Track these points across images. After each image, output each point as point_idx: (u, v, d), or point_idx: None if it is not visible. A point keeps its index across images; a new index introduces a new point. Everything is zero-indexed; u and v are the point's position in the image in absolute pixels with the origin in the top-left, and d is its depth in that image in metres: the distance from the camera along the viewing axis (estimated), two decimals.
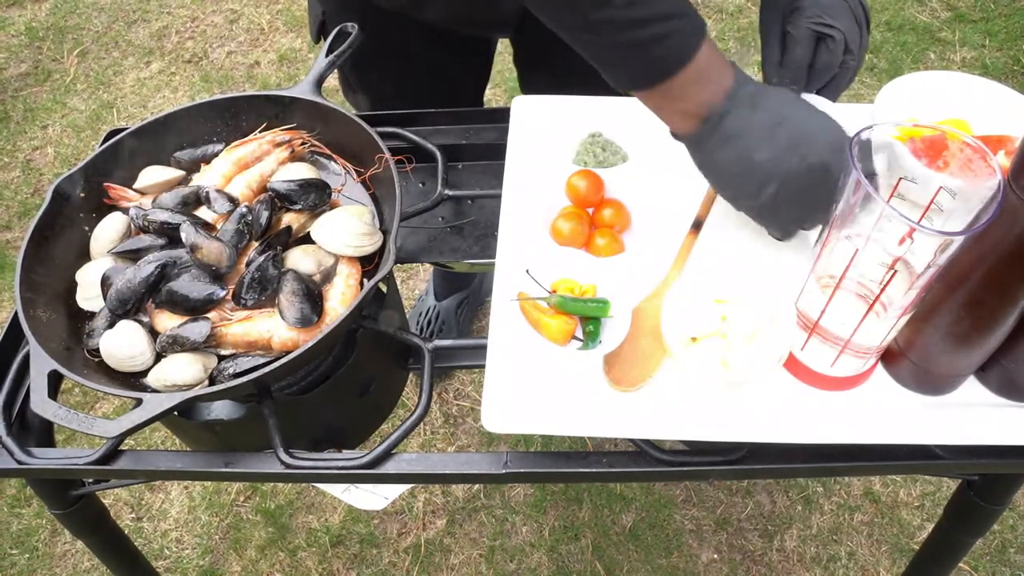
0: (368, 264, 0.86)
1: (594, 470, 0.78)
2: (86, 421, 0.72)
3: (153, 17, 2.69)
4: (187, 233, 0.81)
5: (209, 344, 0.79)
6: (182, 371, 0.77)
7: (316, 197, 0.87)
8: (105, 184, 0.91)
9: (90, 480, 0.93)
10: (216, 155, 0.94)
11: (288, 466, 0.78)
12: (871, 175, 0.64)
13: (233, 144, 0.94)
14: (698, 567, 1.56)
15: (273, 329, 0.79)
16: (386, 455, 0.79)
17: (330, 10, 1.12)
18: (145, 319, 0.82)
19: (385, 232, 0.88)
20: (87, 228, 0.89)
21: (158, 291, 0.81)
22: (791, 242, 0.84)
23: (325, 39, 1.10)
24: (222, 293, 0.81)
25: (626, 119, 0.96)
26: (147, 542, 1.62)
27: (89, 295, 0.84)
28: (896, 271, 0.63)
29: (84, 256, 0.88)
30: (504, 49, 1.31)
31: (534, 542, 1.60)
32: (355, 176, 0.93)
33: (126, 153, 0.93)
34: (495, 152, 1.02)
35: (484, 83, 1.35)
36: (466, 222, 1.02)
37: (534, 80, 1.27)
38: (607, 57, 0.70)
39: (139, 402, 0.72)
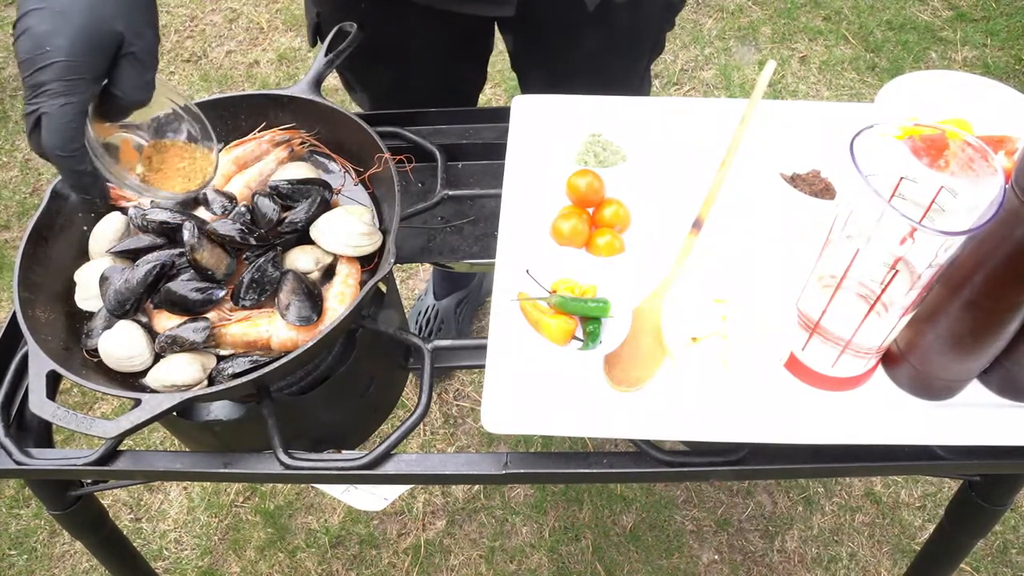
0: (368, 264, 0.86)
1: (594, 471, 0.78)
2: (85, 421, 0.72)
3: None
4: (188, 233, 0.81)
5: (208, 344, 0.79)
6: (181, 371, 0.76)
7: (316, 197, 0.87)
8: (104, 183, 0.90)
9: (89, 481, 0.93)
10: None
11: (287, 467, 0.78)
12: (872, 174, 0.64)
13: (232, 144, 0.94)
14: (699, 568, 1.56)
15: (272, 329, 0.79)
16: (386, 456, 0.79)
17: (325, 11, 1.12)
18: (144, 319, 0.81)
19: (385, 232, 0.88)
20: (86, 228, 0.88)
21: (157, 291, 0.81)
22: (792, 241, 0.84)
23: (322, 41, 1.10)
24: (221, 293, 0.81)
25: (626, 119, 0.96)
26: (146, 543, 1.62)
27: (88, 295, 0.83)
28: (897, 271, 0.63)
29: (83, 256, 0.87)
30: (503, 48, 1.30)
31: (534, 543, 1.59)
32: (355, 176, 0.93)
33: None
34: (495, 152, 1.02)
35: (482, 83, 1.35)
36: (466, 222, 1.02)
37: (531, 80, 1.27)
38: None
39: (138, 402, 0.72)
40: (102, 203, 0.70)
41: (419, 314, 1.83)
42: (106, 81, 0.64)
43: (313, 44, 1.15)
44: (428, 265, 1.87)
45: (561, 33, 1.11)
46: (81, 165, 0.65)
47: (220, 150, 0.90)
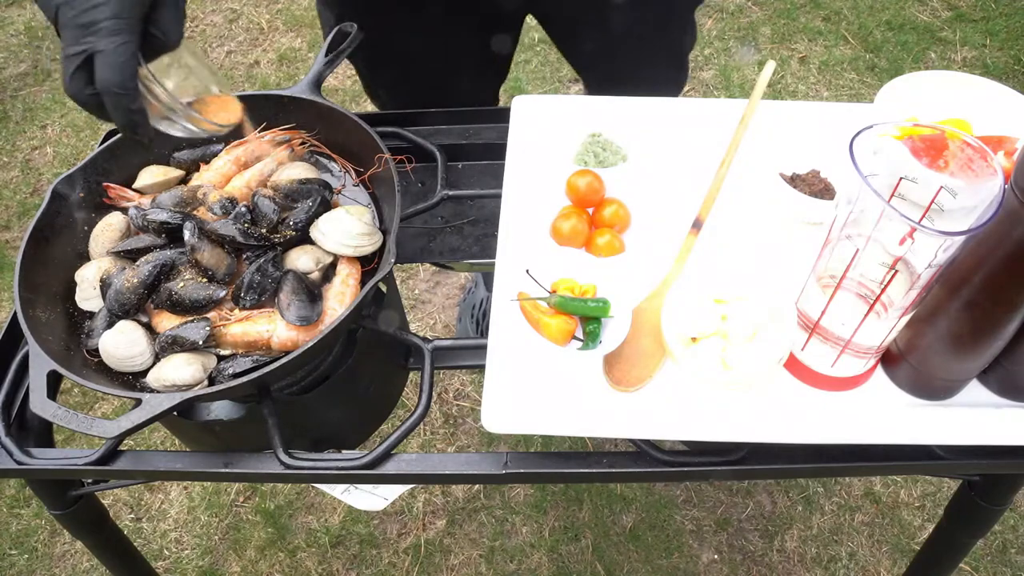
0: (368, 264, 0.86)
1: (594, 470, 0.78)
2: (85, 421, 0.72)
3: None
4: (189, 233, 0.81)
5: (208, 344, 0.79)
6: (181, 371, 0.76)
7: (316, 197, 0.87)
8: (104, 184, 0.90)
9: (89, 480, 0.93)
10: (215, 155, 0.94)
11: (288, 466, 0.78)
12: (872, 175, 0.64)
13: (232, 144, 0.94)
14: (699, 568, 1.56)
15: (272, 329, 0.79)
16: (386, 455, 0.79)
17: (345, 13, 1.12)
18: (144, 319, 0.81)
19: (385, 232, 0.88)
20: (86, 228, 0.88)
21: (157, 291, 0.81)
22: (792, 241, 0.84)
23: (344, 44, 1.11)
24: (222, 293, 0.81)
25: (626, 119, 0.96)
26: (146, 542, 1.62)
27: (88, 295, 0.83)
28: (897, 271, 0.63)
29: (83, 256, 0.88)
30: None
31: (534, 542, 1.59)
32: (355, 176, 0.93)
33: (125, 153, 0.92)
34: (495, 152, 1.02)
35: (501, 81, 1.36)
36: (466, 222, 1.02)
37: (581, 59, 1.28)
38: None
39: (138, 402, 0.72)
40: (149, 144, 0.73)
41: (473, 308, 1.85)
42: None
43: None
44: (428, 265, 1.87)
45: (597, 14, 1.13)
46: (135, 103, 0.66)
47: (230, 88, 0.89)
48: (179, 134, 0.76)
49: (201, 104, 0.78)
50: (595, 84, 1.31)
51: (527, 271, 0.83)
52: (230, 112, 0.79)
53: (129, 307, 0.80)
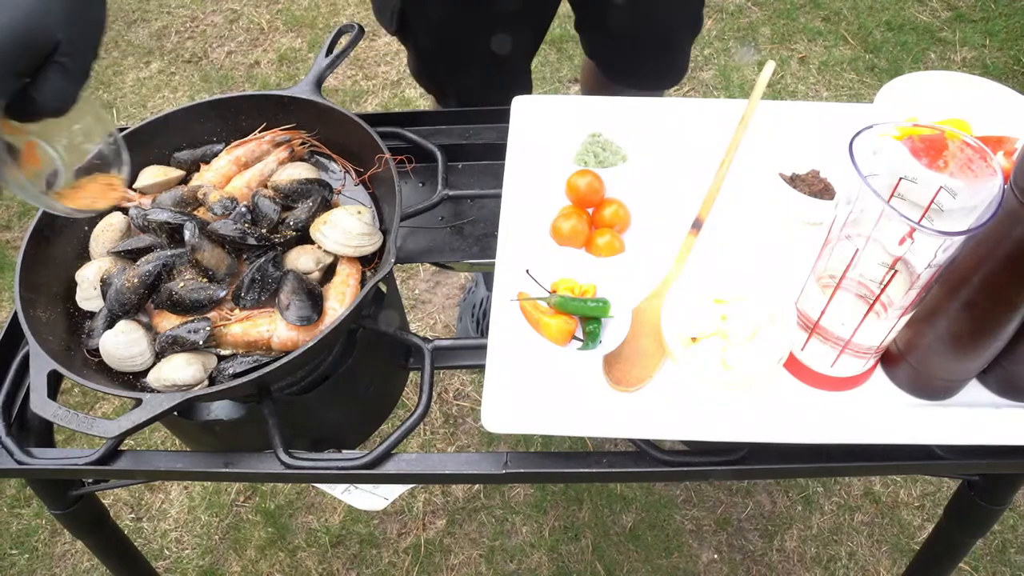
0: (368, 264, 0.86)
1: (594, 470, 0.78)
2: (86, 421, 0.72)
3: (153, 17, 2.68)
4: (189, 233, 0.81)
5: (209, 344, 0.79)
6: (182, 371, 0.77)
7: (316, 197, 0.87)
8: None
9: (90, 480, 0.93)
10: (216, 155, 0.94)
11: (288, 466, 0.78)
12: (871, 175, 0.64)
13: (233, 144, 0.94)
14: (698, 567, 1.56)
15: (273, 329, 0.79)
16: (386, 455, 0.79)
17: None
18: (145, 319, 0.82)
19: (385, 232, 0.88)
20: (87, 227, 0.89)
21: (157, 291, 0.81)
22: (792, 241, 0.84)
23: (405, 28, 1.11)
24: (222, 293, 0.81)
25: (626, 119, 0.96)
26: (147, 542, 1.62)
27: (89, 295, 0.84)
28: (896, 271, 0.63)
29: (84, 256, 0.88)
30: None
31: (534, 542, 1.59)
32: (355, 176, 0.93)
33: None
34: (495, 152, 1.02)
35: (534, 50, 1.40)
36: (466, 222, 1.02)
37: (594, 42, 1.32)
38: None
39: (139, 402, 0.72)
40: None
41: (473, 307, 1.85)
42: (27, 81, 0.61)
43: (396, 32, 1.16)
44: (428, 265, 1.87)
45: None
46: None
47: (128, 174, 0.83)
48: (35, 204, 0.72)
49: (88, 178, 0.73)
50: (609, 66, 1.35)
51: (527, 271, 0.83)
52: (106, 198, 0.74)
53: (129, 307, 0.80)
